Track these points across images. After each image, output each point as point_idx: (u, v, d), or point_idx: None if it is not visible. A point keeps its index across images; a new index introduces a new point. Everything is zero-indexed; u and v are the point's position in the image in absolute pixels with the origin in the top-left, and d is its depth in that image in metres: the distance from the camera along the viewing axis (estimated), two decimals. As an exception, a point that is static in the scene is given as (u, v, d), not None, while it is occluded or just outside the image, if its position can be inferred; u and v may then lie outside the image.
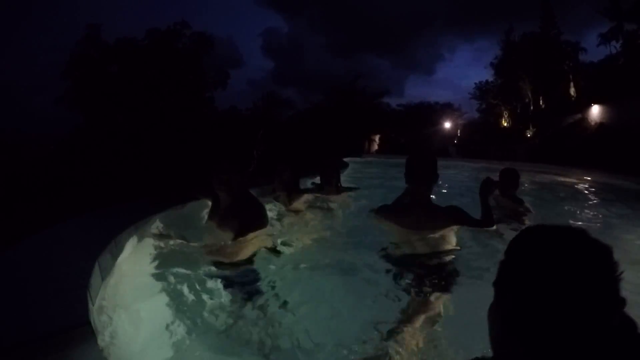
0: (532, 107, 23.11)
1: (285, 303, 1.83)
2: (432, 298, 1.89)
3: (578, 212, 4.64)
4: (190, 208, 2.77)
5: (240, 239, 2.08)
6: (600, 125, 16.18)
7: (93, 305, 1.33)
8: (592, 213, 4.56)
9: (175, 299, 1.75)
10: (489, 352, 0.76)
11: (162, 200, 2.69)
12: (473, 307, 1.81)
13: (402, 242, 2.29)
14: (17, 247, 1.87)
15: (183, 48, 20.94)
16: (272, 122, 21.00)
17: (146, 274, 1.93)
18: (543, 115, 21.49)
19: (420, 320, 1.72)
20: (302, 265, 2.22)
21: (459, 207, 2.31)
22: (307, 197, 3.43)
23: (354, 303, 1.89)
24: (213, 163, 2.11)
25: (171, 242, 2.12)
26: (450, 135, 26.90)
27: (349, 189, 3.91)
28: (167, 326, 1.56)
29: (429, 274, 2.06)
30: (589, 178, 8.16)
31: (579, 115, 18.16)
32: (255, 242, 2.16)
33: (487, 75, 26.69)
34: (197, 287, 1.88)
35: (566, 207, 4.91)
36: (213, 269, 2.02)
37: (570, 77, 21.82)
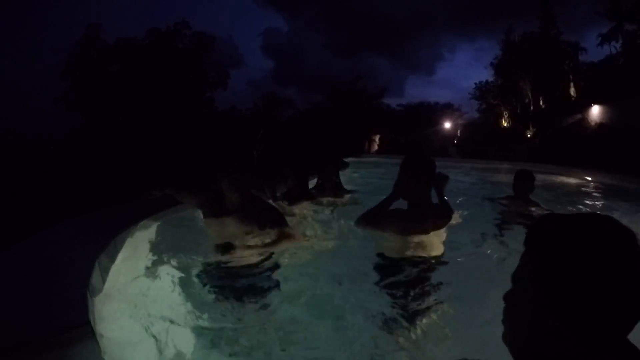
0: (532, 107, 23.11)
1: (284, 312, 1.81)
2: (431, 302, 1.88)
3: (579, 210, 4.64)
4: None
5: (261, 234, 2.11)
6: (600, 125, 16.18)
7: (93, 305, 1.33)
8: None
9: (175, 299, 1.75)
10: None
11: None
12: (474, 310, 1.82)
13: (400, 247, 2.26)
14: (17, 247, 1.87)
15: (183, 48, 20.94)
16: (272, 122, 20.98)
17: (146, 274, 1.92)
18: (543, 115, 21.49)
19: (422, 323, 1.72)
20: (302, 273, 2.18)
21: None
22: (306, 204, 3.38)
23: (352, 313, 1.85)
24: (224, 163, 2.09)
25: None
26: (450, 135, 26.89)
27: (349, 192, 3.85)
28: (167, 326, 1.56)
29: (424, 279, 2.05)
30: (589, 178, 8.16)
31: (579, 116, 18.17)
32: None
33: (487, 75, 26.69)
34: (197, 288, 1.87)
35: (568, 207, 4.90)
36: (214, 271, 2.01)
37: (570, 77, 21.84)
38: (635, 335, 0.64)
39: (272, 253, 2.16)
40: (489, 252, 2.55)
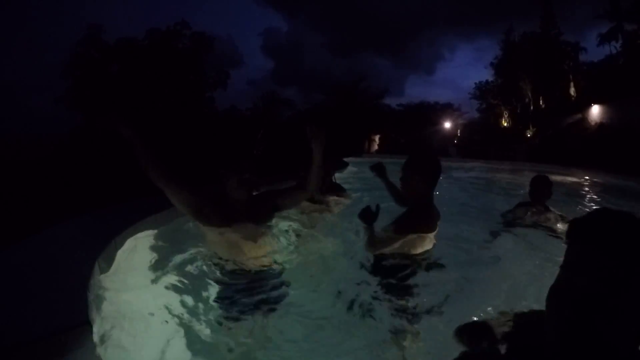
0: (532, 107, 23.11)
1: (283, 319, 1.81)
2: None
3: (579, 210, 4.64)
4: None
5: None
6: (600, 125, 16.17)
7: (93, 305, 1.33)
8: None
9: (174, 300, 1.75)
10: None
11: None
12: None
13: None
14: (17, 247, 1.87)
15: (183, 48, 20.93)
16: (272, 122, 20.93)
17: (145, 274, 1.93)
18: (543, 115, 21.49)
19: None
20: (305, 279, 2.17)
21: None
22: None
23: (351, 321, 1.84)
24: (230, 163, 2.07)
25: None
26: (450, 135, 26.89)
27: (342, 189, 3.76)
28: (165, 327, 1.56)
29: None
30: (589, 178, 8.16)
31: (579, 115, 18.16)
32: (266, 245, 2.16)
33: (487, 75, 26.74)
34: (196, 288, 1.87)
35: (570, 207, 4.90)
36: (217, 272, 1.99)
37: (570, 77, 21.83)
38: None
39: (277, 261, 2.15)
40: (500, 260, 2.50)
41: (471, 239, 3.06)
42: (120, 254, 1.91)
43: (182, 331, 1.58)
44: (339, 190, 3.70)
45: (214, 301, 1.82)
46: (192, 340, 1.56)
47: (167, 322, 1.60)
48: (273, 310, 1.82)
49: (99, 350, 1.14)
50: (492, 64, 25.69)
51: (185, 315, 1.66)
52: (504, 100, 24.78)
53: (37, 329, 1.13)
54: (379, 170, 2.58)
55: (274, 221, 2.30)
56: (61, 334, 1.11)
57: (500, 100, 25.02)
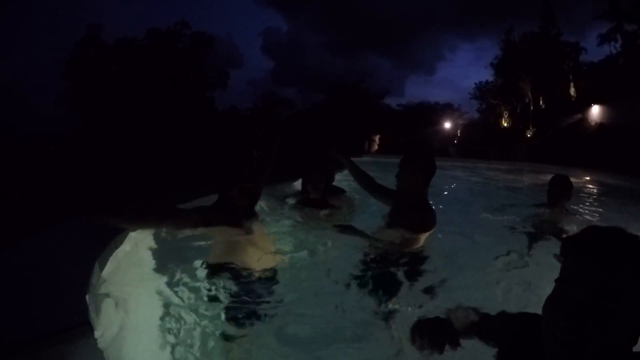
0: (532, 107, 23.15)
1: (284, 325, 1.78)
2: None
3: (580, 210, 4.62)
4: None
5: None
6: (600, 125, 16.19)
7: (93, 305, 1.33)
8: (592, 211, 4.54)
9: (174, 299, 1.74)
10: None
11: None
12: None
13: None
14: (16, 247, 1.87)
15: (183, 48, 20.94)
16: (271, 121, 20.91)
17: (146, 274, 1.92)
18: (543, 115, 21.53)
19: None
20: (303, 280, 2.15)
21: None
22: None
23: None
24: (231, 173, 2.04)
25: None
26: (450, 135, 26.90)
27: (342, 191, 3.72)
28: (166, 327, 1.56)
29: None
30: (589, 178, 8.16)
31: (579, 115, 18.19)
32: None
33: (488, 75, 26.75)
34: (198, 289, 1.86)
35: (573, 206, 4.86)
36: (219, 273, 1.96)
37: (570, 77, 21.88)
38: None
39: (281, 263, 2.15)
40: (514, 265, 2.43)
41: (470, 237, 3.02)
42: (119, 254, 1.90)
43: (183, 331, 1.57)
44: (338, 193, 3.69)
45: (216, 302, 1.81)
46: (193, 340, 1.56)
47: (167, 321, 1.59)
48: (274, 313, 1.81)
49: (100, 350, 1.14)
50: (492, 64, 25.77)
51: (186, 316, 1.66)
52: (504, 101, 24.82)
53: (37, 330, 1.12)
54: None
55: (278, 223, 2.30)
56: (61, 334, 1.11)
57: (500, 100, 25.06)
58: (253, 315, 1.75)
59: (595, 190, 6.75)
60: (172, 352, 1.46)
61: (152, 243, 2.22)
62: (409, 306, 1.84)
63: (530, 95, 23.01)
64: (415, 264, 2.14)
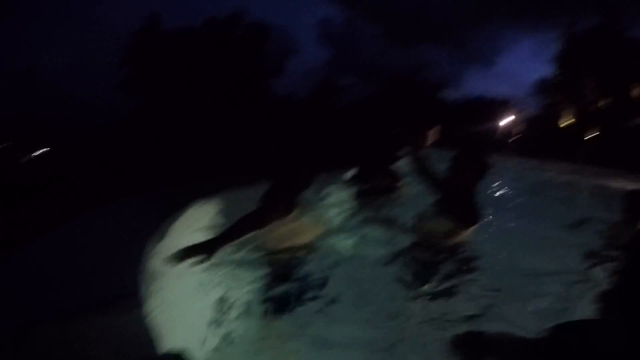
0: (596, 106, 21.63)
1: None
2: None
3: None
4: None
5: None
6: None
7: (143, 281, 1.39)
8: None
9: (218, 279, 1.77)
10: None
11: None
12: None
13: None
14: (74, 223, 1.99)
15: (240, 37, 21.30)
16: (328, 111, 20.96)
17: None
18: (608, 114, 20.09)
19: None
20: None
21: None
22: None
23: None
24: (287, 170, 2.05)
25: None
26: (508, 131, 25.73)
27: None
28: (208, 310, 1.60)
29: None
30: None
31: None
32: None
33: (549, 70, 25.22)
34: (244, 274, 1.86)
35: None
36: (264, 259, 1.97)
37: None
38: None
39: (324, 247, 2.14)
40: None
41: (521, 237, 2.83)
42: (173, 231, 1.96)
43: (223, 314, 1.60)
44: (397, 177, 3.66)
45: (260, 285, 1.82)
46: (235, 322, 1.58)
47: (211, 300, 1.63)
48: (313, 305, 1.76)
49: (146, 319, 1.19)
50: (554, 58, 24.25)
51: (230, 296, 1.68)
52: (566, 97, 23.40)
53: (92, 297, 1.22)
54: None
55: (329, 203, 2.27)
56: (111, 302, 1.18)
57: (562, 97, 23.64)
58: (297, 302, 1.74)
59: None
60: (214, 330, 1.50)
61: (204, 222, 2.27)
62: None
63: (594, 92, 21.49)
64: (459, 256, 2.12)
